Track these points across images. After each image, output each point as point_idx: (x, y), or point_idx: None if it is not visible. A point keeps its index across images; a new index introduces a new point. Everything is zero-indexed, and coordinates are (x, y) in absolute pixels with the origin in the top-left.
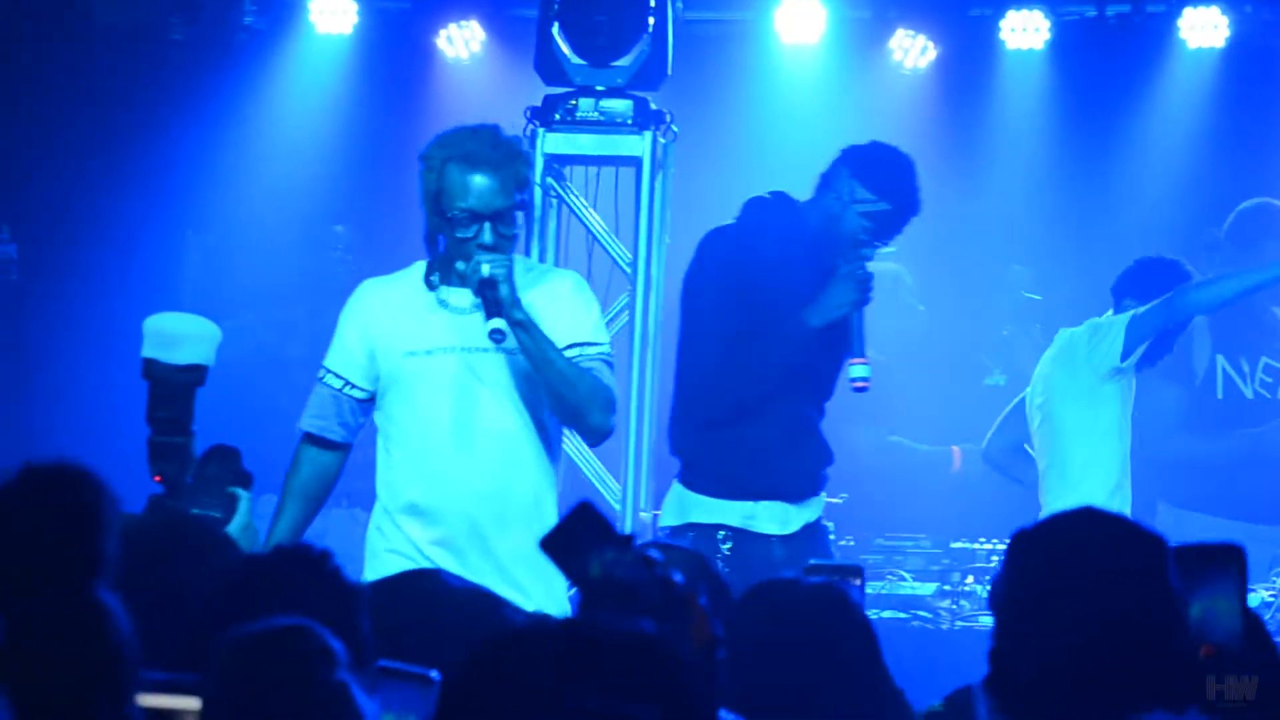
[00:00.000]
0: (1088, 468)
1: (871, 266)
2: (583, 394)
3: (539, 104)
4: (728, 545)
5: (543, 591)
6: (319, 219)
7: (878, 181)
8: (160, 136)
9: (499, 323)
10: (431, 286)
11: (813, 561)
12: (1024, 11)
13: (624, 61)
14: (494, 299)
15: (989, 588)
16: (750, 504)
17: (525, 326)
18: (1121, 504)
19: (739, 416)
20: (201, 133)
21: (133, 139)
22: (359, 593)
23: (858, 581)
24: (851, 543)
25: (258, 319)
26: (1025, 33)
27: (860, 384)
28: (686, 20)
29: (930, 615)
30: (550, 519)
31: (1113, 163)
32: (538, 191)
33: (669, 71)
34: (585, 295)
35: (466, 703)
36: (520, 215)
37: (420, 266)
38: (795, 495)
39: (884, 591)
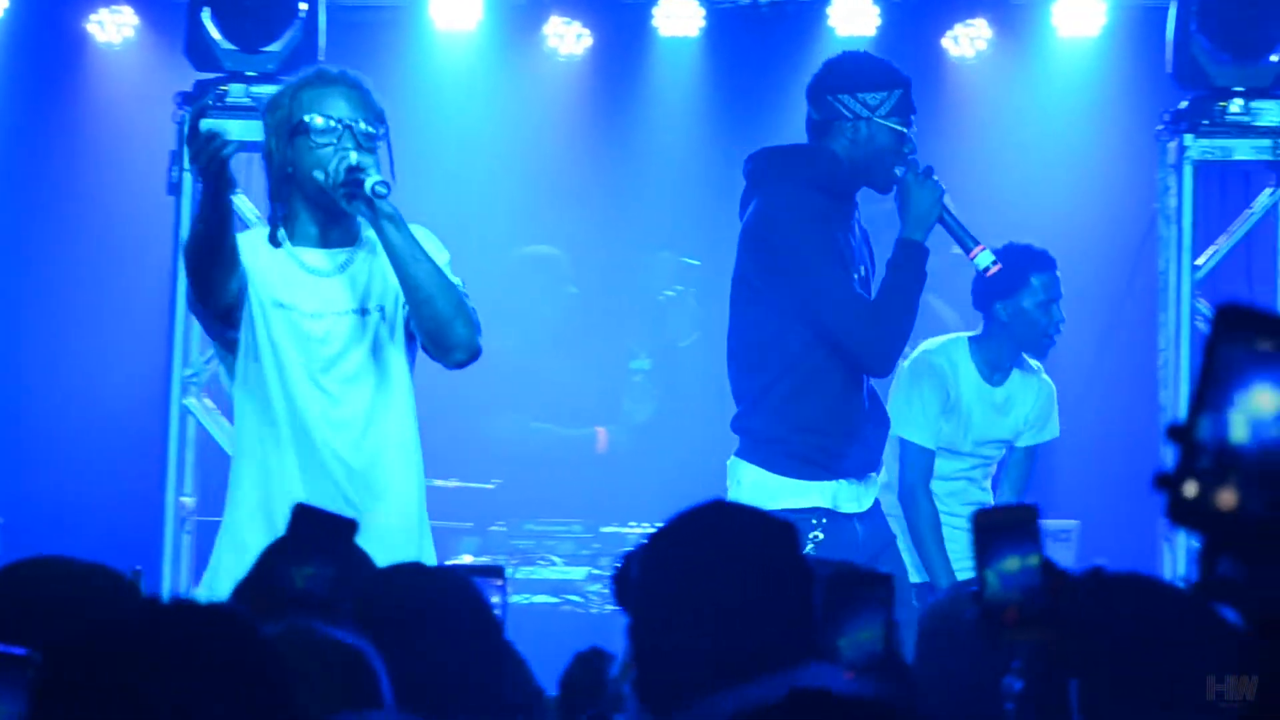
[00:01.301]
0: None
1: (528, 250)
2: (453, 301)
3: (189, 89)
4: (818, 534)
5: None
6: None
7: (875, 77)
8: None
9: (375, 176)
10: (276, 243)
11: (448, 562)
12: None
13: (275, 47)
14: (360, 184)
15: (612, 583)
16: (834, 483)
17: (394, 220)
18: None
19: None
20: None
21: None
22: None
23: (499, 582)
24: (503, 528)
25: None
26: (679, 20)
27: (994, 268)
28: (340, 6)
29: (581, 599)
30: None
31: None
32: (187, 178)
33: (321, 58)
34: (437, 241)
35: (54, 687)
36: (380, 150)
37: (259, 230)
38: (865, 470)
39: (535, 576)
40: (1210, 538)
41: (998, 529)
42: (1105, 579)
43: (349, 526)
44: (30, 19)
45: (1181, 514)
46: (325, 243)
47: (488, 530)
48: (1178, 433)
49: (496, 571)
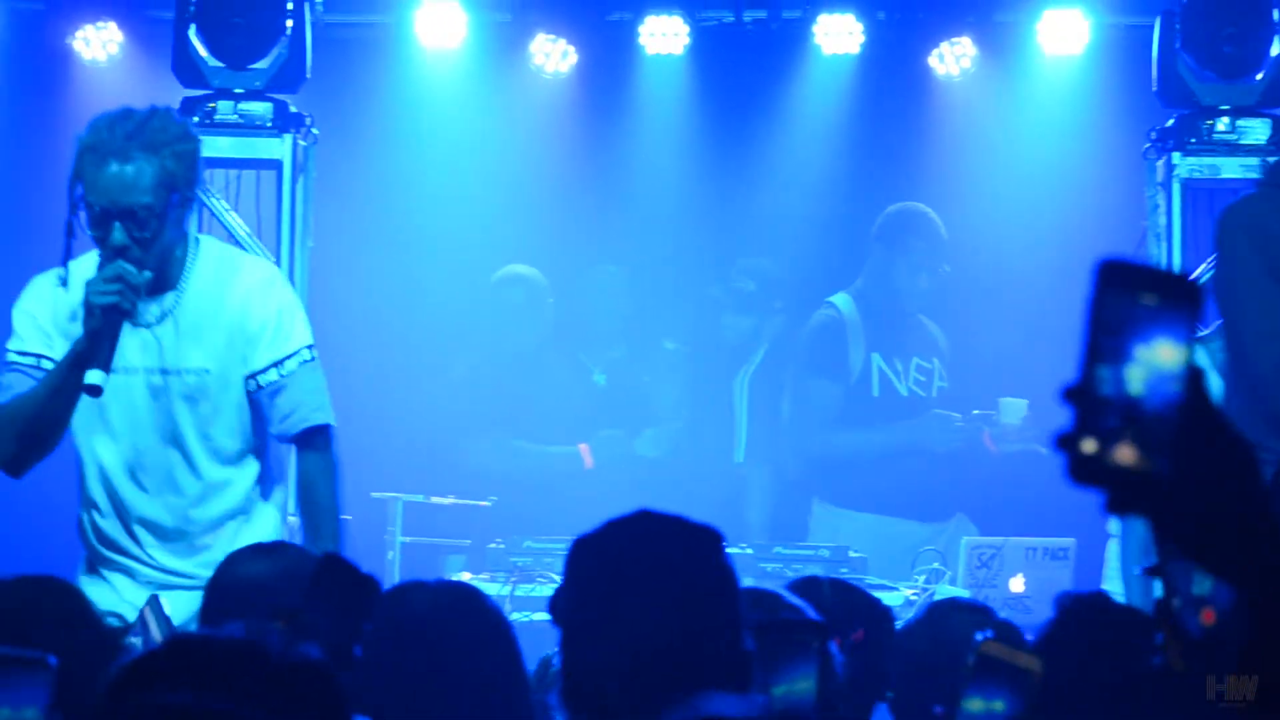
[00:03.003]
0: None
1: (506, 271)
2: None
3: (177, 106)
4: None
5: None
6: None
7: None
8: None
9: (97, 375)
10: (64, 283)
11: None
12: (662, 16)
13: (262, 64)
14: (100, 336)
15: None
16: None
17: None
18: None
19: None
20: None
21: None
22: None
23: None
24: (501, 545)
25: None
26: (664, 37)
27: None
28: (326, 23)
29: None
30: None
31: (752, 167)
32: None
33: (308, 74)
34: (273, 294)
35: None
36: (174, 209)
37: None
38: None
39: (534, 594)
40: (1111, 496)
41: (996, 662)
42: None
43: (373, 585)
44: (14, 36)
45: (1081, 472)
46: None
47: (485, 548)
48: (1073, 392)
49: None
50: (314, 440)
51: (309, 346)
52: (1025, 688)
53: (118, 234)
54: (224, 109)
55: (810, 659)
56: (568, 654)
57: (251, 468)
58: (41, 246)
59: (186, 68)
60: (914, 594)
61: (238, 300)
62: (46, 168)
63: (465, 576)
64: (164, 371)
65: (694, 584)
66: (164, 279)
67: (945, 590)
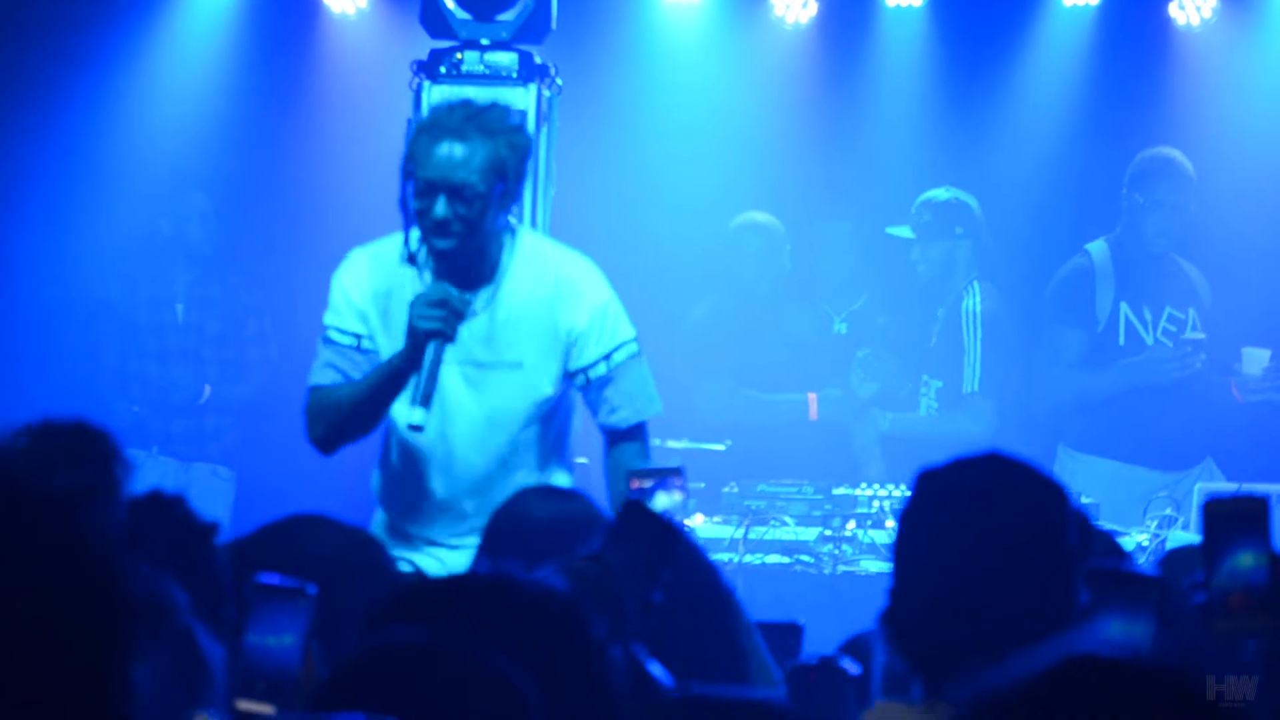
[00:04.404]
0: None
1: (745, 218)
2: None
3: (425, 58)
4: None
5: None
6: (208, 177)
7: None
8: (42, 93)
9: (419, 415)
10: (413, 262)
11: (635, 467)
12: None
13: (508, 16)
14: (422, 364)
15: (891, 530)
16: None
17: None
18: None
19: None
20: (85, 90)
21: (16, 95)
22: (210, 535)
23: (678, 480)
24: (735, 489)
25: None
26: None
27: None
28: None
29: (813, 560)
30: None
31: (991, 119)
32: None
33: (553, 26)
34: (593, 290)
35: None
36: (498, 197)
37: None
38: None
39: (767, 537)
40: None
41: (1231, 519)
42: None
43: (674, 533)
44: None
45: None
46: (456, 283)
47: (720, 491)
48: None
49: (675, 471)
50: (636, 432)
51: (634, 339)
52: (1265, 528)
53: (440, 206)
54: (470, 60)
55: (1257, 537)
56: (897, 583)
57: (554, 461)
58: (293, 198)
59: (434, 19)
60: (1145, 539)
61: (557, 296)
62: (296, 118)
63: (699, 520)
64: (478, 365)
65: (1035, 533)
66: (481, 271)
67: (1178, 537)
